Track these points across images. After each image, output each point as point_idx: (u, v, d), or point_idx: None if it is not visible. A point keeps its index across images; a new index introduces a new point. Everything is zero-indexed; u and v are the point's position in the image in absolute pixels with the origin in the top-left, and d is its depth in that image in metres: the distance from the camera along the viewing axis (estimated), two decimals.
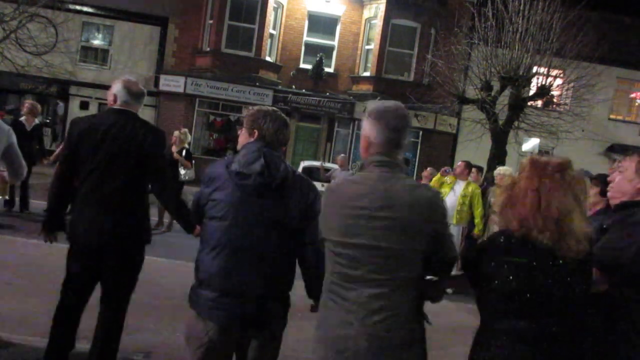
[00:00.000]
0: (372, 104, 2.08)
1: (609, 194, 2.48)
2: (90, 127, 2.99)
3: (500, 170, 7.68)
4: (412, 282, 1.92)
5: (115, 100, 3.08)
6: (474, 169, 8.09)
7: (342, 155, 11.51)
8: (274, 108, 2.53)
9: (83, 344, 3.23)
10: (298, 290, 2.50)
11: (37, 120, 8.72)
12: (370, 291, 1.88)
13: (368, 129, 2.01)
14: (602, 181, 2.70)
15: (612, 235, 2.27)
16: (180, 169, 8.75)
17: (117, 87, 3.09)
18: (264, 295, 2.31)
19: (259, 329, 2.35)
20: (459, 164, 7.91)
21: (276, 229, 2.31)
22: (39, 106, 8.95)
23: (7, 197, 8.11)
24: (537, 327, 1.81)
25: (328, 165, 13.70)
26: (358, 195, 1.93)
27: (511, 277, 1.82)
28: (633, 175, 2.35)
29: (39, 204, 7.76)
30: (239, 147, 2.46)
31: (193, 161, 9.32)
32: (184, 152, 8.85)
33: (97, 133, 2.96)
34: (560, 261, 1.81)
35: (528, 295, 1.81)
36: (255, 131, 2.40)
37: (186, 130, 9.41)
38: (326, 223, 2.01)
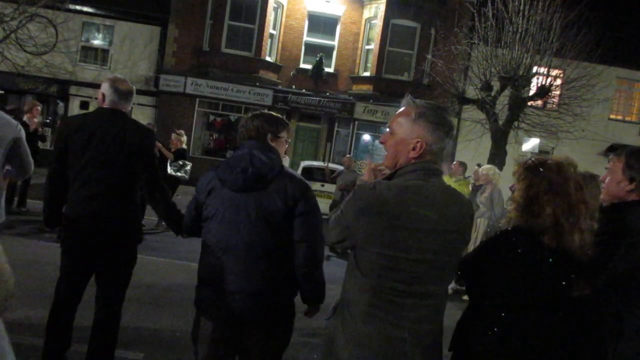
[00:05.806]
0: (424, 104, 1.88)
1: (600, 196, 2.37)
2: (79, 127, 3.01)
3: (483, 169, 7.62)
4: (447, 289, 1.98)
5: (104, 100, 3.10)
6: (455, 163, 8.01)
7: (348, 155, 11.39)
8: (264, 112, 2.58)
9: (81, 345, 3.22)
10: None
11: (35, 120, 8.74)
12: (423, 303, 1.82)
13: (425, 132, 1.83)
14: None
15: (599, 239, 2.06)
16: (169, 167, 8.76)
17: (105, 87, 3.10)
18: (261, 292, 2.30)
19: (258, 325, 2.35)
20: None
21: (265, 225, 2.28)
22: (39, 106, 8.98)
23: None
24: (546, 320, 1.86)
25: (332, 166, 13.61)
26: (418, 206, 1.78)
27: (520, 273, 1.87)
28: (620, 176, 2.22)
29: (39, 203, 7.76)
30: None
31: (189, 163, 9.31)
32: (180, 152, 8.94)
33: (85, 132, 2.98)
34: (567, 257, 1.85)
35: (536, 290, 1.86)
36: (244, 133, 2.46)
37: (182, 131, 9.47)
38: (371, 233, 1.79)
